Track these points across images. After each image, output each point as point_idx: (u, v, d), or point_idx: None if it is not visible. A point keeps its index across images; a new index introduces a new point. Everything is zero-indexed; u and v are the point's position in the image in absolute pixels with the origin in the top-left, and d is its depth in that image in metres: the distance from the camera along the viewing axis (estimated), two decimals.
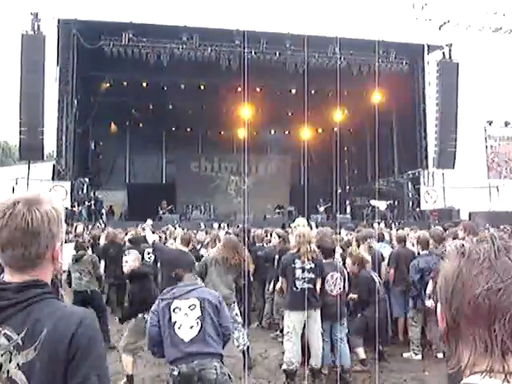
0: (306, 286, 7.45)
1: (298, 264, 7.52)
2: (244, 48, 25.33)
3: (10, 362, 1.73)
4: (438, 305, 1.29)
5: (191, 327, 4.79)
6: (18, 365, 1.73)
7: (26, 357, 1.73)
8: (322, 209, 30.78)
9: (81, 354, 1.75)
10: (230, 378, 4.87)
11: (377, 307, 7.99)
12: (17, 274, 1.84)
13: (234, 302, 8.26)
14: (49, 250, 1.87)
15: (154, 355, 5.33)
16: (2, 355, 1.74)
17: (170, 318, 4.83)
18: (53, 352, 1.73)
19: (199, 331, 4.79)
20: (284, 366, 7.57)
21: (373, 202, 30.55)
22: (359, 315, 8.44)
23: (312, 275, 7.53)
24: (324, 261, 7.86)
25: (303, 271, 7.49)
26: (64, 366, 1.73)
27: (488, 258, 1.20)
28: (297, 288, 7.49)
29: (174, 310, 4.85)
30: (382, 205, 29.92)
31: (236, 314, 8.20)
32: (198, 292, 5.03)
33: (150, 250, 11.92)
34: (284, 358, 7.61)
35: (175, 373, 4.72)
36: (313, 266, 7.55)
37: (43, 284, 1.87)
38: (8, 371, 1.72)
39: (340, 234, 11.84)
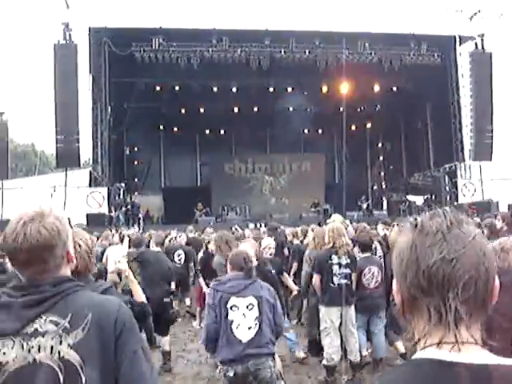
0: (343, 281, 7.36)
1: (335, 259, 7.39)
2: (273, 48, 25.45)
3: (60, 344, 1.82)
4: (394, 279, 1.33)
5: (249, 328, 4.75)
6: (69, 345, 1.83)
7: (75, 337, 1.84)
8: (364, 205, 30.66)
9: (127, 329, 1.92)
10: (281, 376, 4.98)
11: None
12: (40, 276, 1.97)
13: None
14: (64, 258, 2.02)
15: (207, 351, 5.37)
16: (51, 339, 1.83)
17: (227, 315, 4.77)
18: (100, 330, 1.87)
19: (257, 332, 4.76)
20: (324, 362, 7.46)
21: (409, 197, 30.30)
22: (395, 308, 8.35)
23: (348, 270, 7.43)
24: (361, 255, 7.83)
25: (340, 267, 7.38)
26: (113, 342, 1.87)
27: (441, 230, 1.24)
28: (334, 284, 7.38)
29: (231, 308, 4.78)
30: (418, 200, 29.64)
31: None
32: (255, 288, 4.93)
33: (181, 251, 12.01)
34: (324, 354, 7.48)
35: (230, 374, 4.69)
36: (349, 261, 7.44)
37: (72, 279, 2.03)
38: (59, 352, 1.81)
39: (376, 229, 11.73)
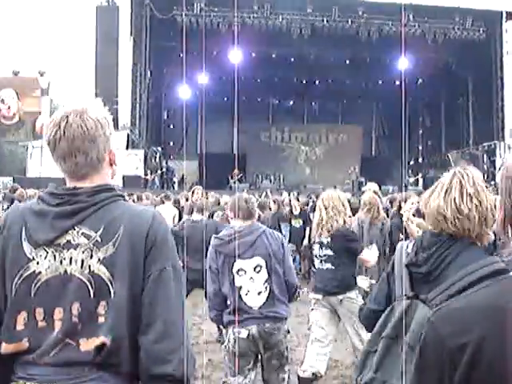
0: (325, 266, 5.76)
1: (317, 238, 5.86)
2: (315, 16, 25.16)
3: (91, 258, 1.84)
4: (499, 197, 1.37)
5: (259, 293, 4.37)
6: (99, 260, 1.84)
7: (105, 252, 1.84)
8: (411, 180, 30.46)
9: (157, 245, 1.89)
10: (288, 332, 4.58)
11: None
12: (80, 182, 1.96)
13: None
14: (106, 154, 2.02)
15: (214, 322, 4.91)
16: (82, 252, 1.85)
17: (233, 280, 4.38)
18: (131, 245, 1.86)
19: (268, 297, 4.38)
20: (298, 371, 5.62)
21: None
22: None
23: (330, 252, 5.73)
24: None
25: (321, 247, 5.80)
26: (143, 258, 1.86)
27: None
28: (316, 269, 5.97)
29: (237, 273, 4.38)
30: None
31: None
32: (262, 243, 4.41)
33: None
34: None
35: (243, 335, 4.28)
36: (329, 239, 5.71)
37: (112, 188, 2.00)
38: (89, 266, 1.83)
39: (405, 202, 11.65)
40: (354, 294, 5.73)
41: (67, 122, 1.88)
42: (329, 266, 5.73)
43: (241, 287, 4.38)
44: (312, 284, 6.10)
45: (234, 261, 4.37)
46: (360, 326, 5.48)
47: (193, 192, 12.03)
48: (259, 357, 4.56)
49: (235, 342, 4.32)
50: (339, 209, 5.72)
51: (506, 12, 26.45)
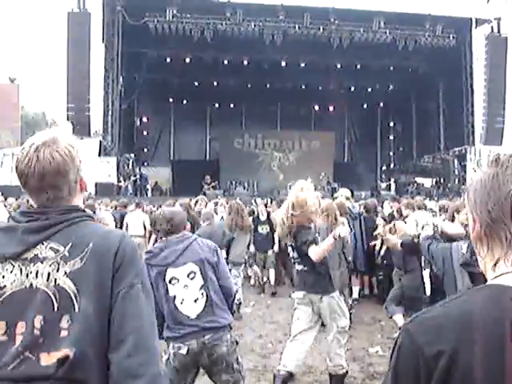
0: (299, 267, 5.91)
1: (289, 241, 5.93)
2: (287, 23, 25.29)
3: (57, 271, 1.82)
4: (469, 212, 1.41)
5: (195, 300, 4.13)
6: (65, 273, 1.81)
7: (72, 266, 1.82)
8: (384, 185, 30.69)
9: (126, 263, 1.87)
10: (237, 343, 4.33)
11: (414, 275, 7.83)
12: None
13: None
14: (77, 184, 2.00)
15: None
16: (49, 266, 1.82)
17: (167, 291, 4.13)
18: (99, 262, 1.84)
19: (205, 304, 4.13)
20: (274, 371, 5.87)
21: (418, 179, 30.23)
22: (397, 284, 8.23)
23: (296, 254, 5.88)
24: None
25: (293, 250, 5.90)
26: (111, 275, 1.84)
27: None
28: (295, 269, 6.15)
29: (170, 282, 4.14)
30: (427, 182, 29.58)
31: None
32: (194, 251, 4.22)
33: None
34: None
35: (182, 351, 4.08)
36: (293, 242, 5.82)
37: (82, 209, 2.00)
38: (55, 280, 1.80)
39: (383, 207, 11.78)
40: (335, 295, 5.90)
41: (37, 158, 1.87)
42: (302, 267, 5.84)
43: (175, 297, 4.13)
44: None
45: (166, 270, 4.17)
46: (342, 327, 5.91)
47: (196, 202, 12.40)
48: (200, 371, 4.36)
49: (175, 357, 4.12)
50: (305, 209, 5.65)
51: (476, 19, 26.85)
